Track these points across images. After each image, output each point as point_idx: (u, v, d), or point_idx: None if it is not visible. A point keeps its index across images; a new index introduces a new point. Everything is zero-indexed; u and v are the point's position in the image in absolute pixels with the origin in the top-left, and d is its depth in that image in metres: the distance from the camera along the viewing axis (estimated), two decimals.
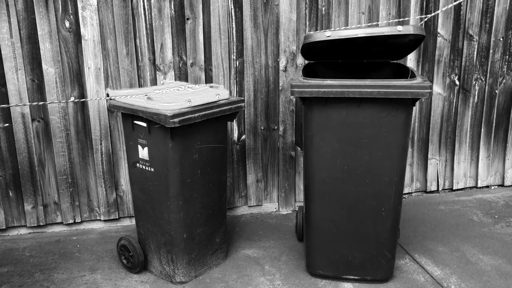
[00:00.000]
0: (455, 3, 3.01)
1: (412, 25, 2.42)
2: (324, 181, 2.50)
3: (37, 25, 2.97)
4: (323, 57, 2.92)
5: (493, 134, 3.92)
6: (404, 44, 2.65)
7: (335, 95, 2.30)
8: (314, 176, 2.51)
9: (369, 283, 2.66)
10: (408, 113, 2.35)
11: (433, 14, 2.86)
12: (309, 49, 2.69)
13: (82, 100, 2.50)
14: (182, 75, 3.25)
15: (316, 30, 3.37)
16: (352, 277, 2.66)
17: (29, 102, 3.05)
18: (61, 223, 3.33)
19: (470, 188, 4.01)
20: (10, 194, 3.20)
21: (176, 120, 2.31)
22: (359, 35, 2.40)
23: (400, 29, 2.37)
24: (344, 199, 2.51)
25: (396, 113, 2.33)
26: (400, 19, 3.47)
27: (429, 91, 2.25)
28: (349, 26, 3.39)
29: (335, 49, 2.71)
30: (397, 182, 2.45)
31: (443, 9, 2.67)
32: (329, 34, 2.43)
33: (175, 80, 3.24)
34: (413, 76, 2.51)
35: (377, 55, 2.91)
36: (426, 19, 3.07)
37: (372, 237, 2.56)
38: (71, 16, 3.01)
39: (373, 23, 3.42)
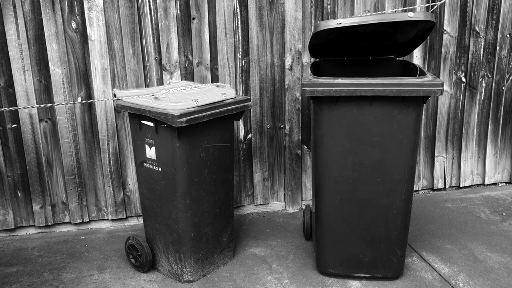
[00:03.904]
0: None
1: (423, 12, 2.42)
2: (335, 180, 2.49)
3: (44, 26, 2.97)
4: (329, 52, 2.90)
5: (500, 131, 3.90)
6: (412, 37, 2.65)
7: (347, 93, 2.29)
8: (324, 175, 2.50)
9: (379, 281, 2.66)
10: (419, 110, 2.34)
11: (441, 2, 2.86)
12: (317, 43, 2.68)
13: (89, 101, 2.49)
14: (188, 75, 3.25)
15: None
16: (362, 275, 2.66)
17: (36, 102, 3.05)
18: (69, 222, 3.34)
19: (477, 185, 4.00)
20: (19, 194, 3.21)
21: (183, 119, 2.31)
22: (370, 22, 2.37)
23: (411, 15, 2.36)
24: (355, 197, 2.51)
25: (407, 111, 2.33)
26: (406, 8, 3.46)
27: (440, 88, 2.25)
28: None
29: (342, 42, 2.70)
30: (408, 180, 2.45)
31: None
32: (340, 21, 2.40)
33: (181, 79, 3.24)
34: (421, 73, 2.51)
35: (383, 51, 2.90)
36: (435, 7, 3.05)
37: (383, 235, 2.55)
38: (77, 17, 3.01)
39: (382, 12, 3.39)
